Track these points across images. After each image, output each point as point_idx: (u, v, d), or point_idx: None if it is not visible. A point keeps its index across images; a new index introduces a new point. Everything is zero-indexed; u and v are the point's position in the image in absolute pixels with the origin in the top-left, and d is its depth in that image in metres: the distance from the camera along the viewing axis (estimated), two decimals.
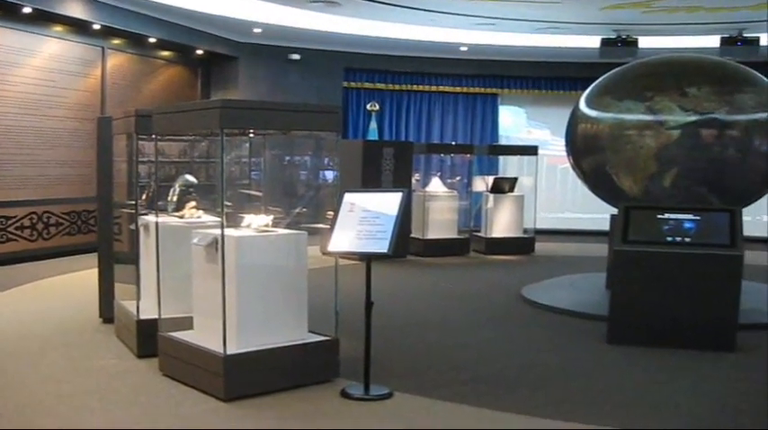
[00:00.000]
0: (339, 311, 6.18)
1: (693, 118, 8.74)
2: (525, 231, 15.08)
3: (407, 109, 18.66)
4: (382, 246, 5.58)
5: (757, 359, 7.29)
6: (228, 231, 5.81)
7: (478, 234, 14.93)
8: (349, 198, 5.90)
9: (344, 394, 5.77)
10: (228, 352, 5.58)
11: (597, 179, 9.59)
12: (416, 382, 6.19)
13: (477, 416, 5.49)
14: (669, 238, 7.68)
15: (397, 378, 6.24)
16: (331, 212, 5.94)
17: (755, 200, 9.39)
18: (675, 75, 9.28)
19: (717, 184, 8.82)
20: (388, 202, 5.73)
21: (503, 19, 14.49)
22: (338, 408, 5.56)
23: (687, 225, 7.71)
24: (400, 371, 6.54)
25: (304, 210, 7.41)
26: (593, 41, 15.50)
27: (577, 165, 9.81)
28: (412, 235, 14.04)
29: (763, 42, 14.89)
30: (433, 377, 6.42)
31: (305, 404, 5.60)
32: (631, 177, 9.16)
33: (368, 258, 5.84)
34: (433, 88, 18.63)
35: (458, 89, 18.72)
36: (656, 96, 9.00)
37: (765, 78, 9.44)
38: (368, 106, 18.04)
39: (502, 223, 14.74)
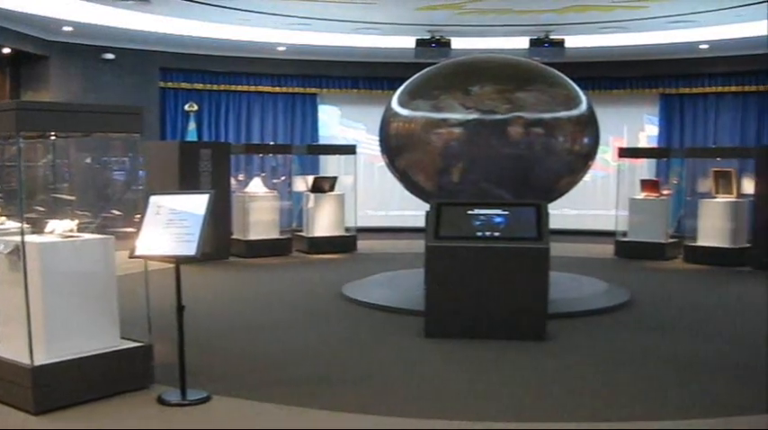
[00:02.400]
0: (153, 316, 6.06)
1: (473, 116, 9.08)
2: (347, 230, 15.20)
3: (227, 109, 18.43)
4: (190, 249, 5.51)
5: (567, 346, 7.62)
6: (31, 238, 5.61)
7: (300, 233, 14.92)
8: (155, 200, 5.79)
9: (161, 400, 5.68)
10: (36, 363, 5.39)
11: (406, 176, 9.82)
12: (235, 385, 6.15)
13: (295, 416, 5.51)
14: (479, 233, 7.91)
15: (215, 381, 6.17)
16: (139, 216, 5.81)
17: (557, 195, 9.75)
18: (465, 74, 9.67)
19: (502, 179, 9.17)
20: (194, 204, 5.66)
21: (319, 19, 14.53)
22: (154, 415, 5.47)
23: (497, 220, 7.96)
24: (219, 374, 6.48)
25: (116, 213, 7.22)
26: (409, 42, 15.75)
27: (391, 164, 9.98)
28: (233, 236, 13.94)
29: (567, 44, 15.51)
30: (252, 379, 6.39)
31: (120, 412, 5.48)
32: (424, 174, 9.47)
33: (177, 261, 5.76)
34: (252, 88, 18.46)
35: (277, 89, 18.62)
36: (442, 95, 9.34)
37: (564, 77, 9.87)
38: (186, 107, 17.69)
39: (323, 222, 14.79)
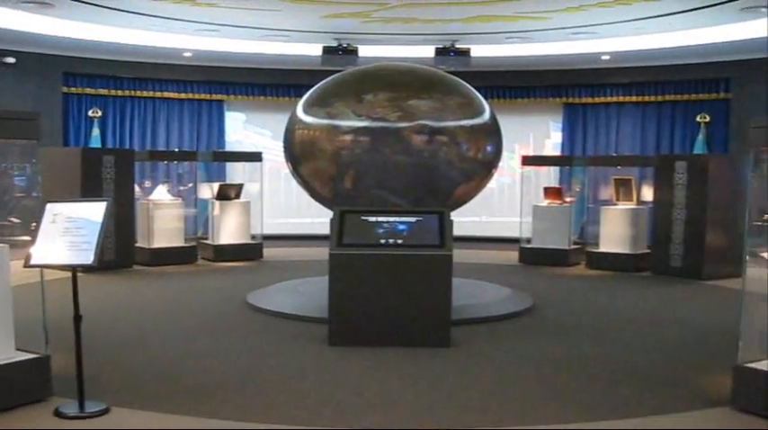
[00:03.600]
0: (51, 327, 5.94)
1: (364, 123, 9.19)
2: (253, 237, 15.10)
3: (132, 115, 18.10)
4: (87, 257, 5.41)
5: (471, 352, 7.73)
6: None
7: (206, 241, 14.77)
8: (52, 208, 5.67)
9: (58, 413, 5.57)
10: None
11: (307, 183, 9.86)
12: (135, 396, 6.07)
13: (197, 426, 5.45)
14: (383, 241, 7.96)
15: (115, 392, 6.08)
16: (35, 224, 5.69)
17: (456, 203, 9.75)
18: (364, 82, 9.78)
19: (396, 187, 9.26)
20: (92, 211, 5.56)
21: (226, 25, 14.41)
22: (51, 428, 5.34)
23: (400, 227, 8.02)
24: (119, 385, 6.38)
25: (14, 220, 7.07)
26: (316, 49, 15.74)
27: (295, 171, 9.98)
28: (137, 244, 13.74)
29: (473, 53, 15.68)
30: (153, 389, 6.31)
31: (15, 426, 5.35)
32: (320, 181, 9.56)
33: (73, 269, 5.65)
34: (158, 94, 18.19)
35: (183, 95, 18.38)
36: (336, 103, 9.44)
37: (465, 86, 9.99)
38: (90, 112, 17.44)
39: (229, 230, 14.67)
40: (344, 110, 9.37)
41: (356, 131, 9.24)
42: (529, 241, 15.01)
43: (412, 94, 9.37)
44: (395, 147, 9.15)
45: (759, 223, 6.33)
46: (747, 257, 6.04)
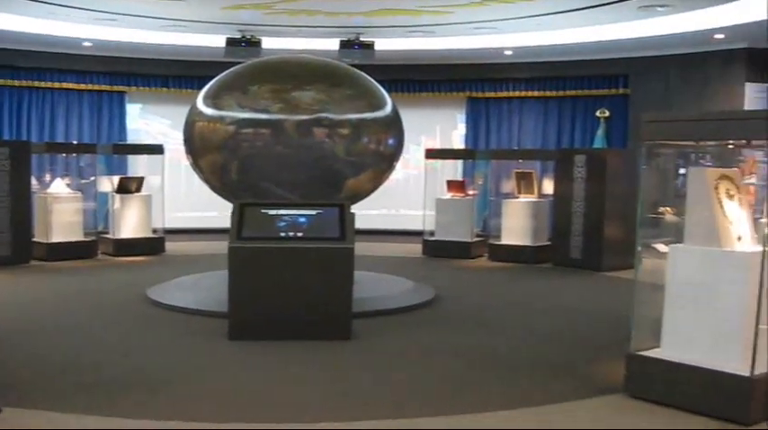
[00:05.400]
0: None
1: (247, 114, 9.28)
2: (154, 231, 14.90)
3: (29, 107, 17.60)
4: None
5: (371, 344, 7.77)
6: None
7: (106, 235, 14.52)
8: None
9: None
10: None
11: (205, 175, 9.80)
12: (29, 395, 5.90)
13: (93, 425, 5.34)
14: (282, 234, 7.92)
15: (6, 392, 5.88)
16: None
17: (350, 196, 9.61)
18: (260, 73, 9.79)
19: (282, 178, 9.32)
20: None
21: (125, 15, 14.12)
22: None
23: (301, 220, 8.00)
24: (10, 384, 6.17)
25: None
26: (220, 40, 15.58)
27: (195, 163, 9.88)
28: (35, 239, 13.42)
29: (378, 47, 15.73)
30: (47, 387, 6.15)
31: None
32: (212, 173, 9.62)
33: None
34: (56, 85, 17.73)
35: (83, 86, 17.93)
36: (225, 95, 9.51)
37: (364, 79, 10.02)
38: None
39: (130, 224, 14.44)
40: (231, 102, 9.43)
41: (240, 123, 9.29)
42: (432, 234, 15.12)
43: (297, 86, 9.35)
44: (280, 139, 9.18)
45: (652, 215, 6.48)
46: (640, 248, 6.19)
